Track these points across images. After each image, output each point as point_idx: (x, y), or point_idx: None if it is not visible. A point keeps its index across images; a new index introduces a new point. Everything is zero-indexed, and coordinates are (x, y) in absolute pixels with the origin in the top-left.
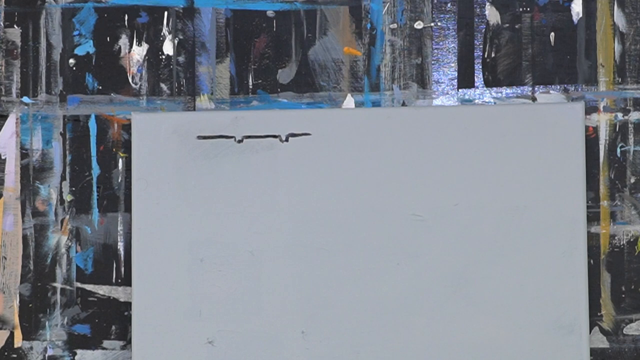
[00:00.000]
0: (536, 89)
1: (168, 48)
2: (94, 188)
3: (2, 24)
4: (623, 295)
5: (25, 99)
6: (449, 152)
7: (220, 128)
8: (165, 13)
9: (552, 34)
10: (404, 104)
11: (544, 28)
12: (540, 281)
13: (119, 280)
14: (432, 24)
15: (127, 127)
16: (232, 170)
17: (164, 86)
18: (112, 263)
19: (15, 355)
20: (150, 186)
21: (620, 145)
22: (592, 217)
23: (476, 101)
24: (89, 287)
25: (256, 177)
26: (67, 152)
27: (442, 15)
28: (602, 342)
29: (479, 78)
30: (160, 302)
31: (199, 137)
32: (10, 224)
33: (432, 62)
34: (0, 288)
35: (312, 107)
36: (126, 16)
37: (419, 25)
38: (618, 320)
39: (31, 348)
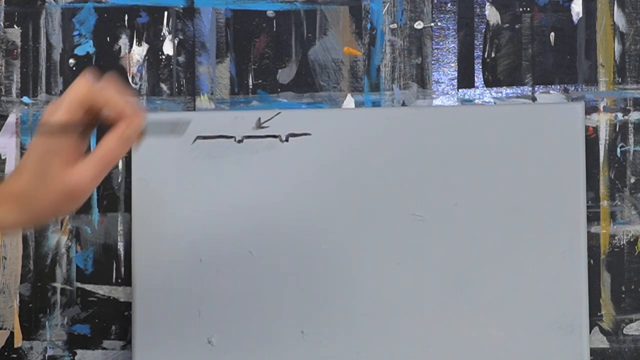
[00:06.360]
0: (536, 89)
1: (168, 48)
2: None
3: (2, 24)
4: (623, 295)
5: (25, 99)
6: (449, 152)
7: (220, 128)
8: (165, 13)
9: (552, 34)
10: (404, 104)
11: (544, 28)
12: (540, 281)
13: (119, 280)
14: (432, 24)
15: None
16: (232, 170)
17: (164, 86)
18: (112, 263)
19: (15, 355)
20: (150, 186)
21: (620, 145)
22: (592, 217)
23: (476, 101)
24: (89, 287)
25: (256, 177)
26: None
27: (442, 15)
28: (602, 342)
29: (479, 78)
30: (160, 302)
31: (199, 137)
32: None
33: (432, 62)
34: (1, 288)
35: (312, 107)
36: (126, 16)
37: (419, 25)
38: (618, 320)
39: (31, 348)
